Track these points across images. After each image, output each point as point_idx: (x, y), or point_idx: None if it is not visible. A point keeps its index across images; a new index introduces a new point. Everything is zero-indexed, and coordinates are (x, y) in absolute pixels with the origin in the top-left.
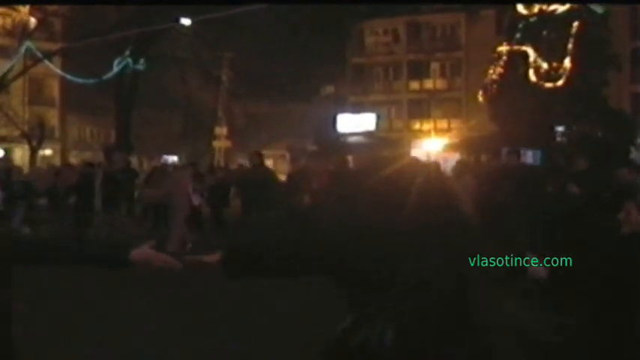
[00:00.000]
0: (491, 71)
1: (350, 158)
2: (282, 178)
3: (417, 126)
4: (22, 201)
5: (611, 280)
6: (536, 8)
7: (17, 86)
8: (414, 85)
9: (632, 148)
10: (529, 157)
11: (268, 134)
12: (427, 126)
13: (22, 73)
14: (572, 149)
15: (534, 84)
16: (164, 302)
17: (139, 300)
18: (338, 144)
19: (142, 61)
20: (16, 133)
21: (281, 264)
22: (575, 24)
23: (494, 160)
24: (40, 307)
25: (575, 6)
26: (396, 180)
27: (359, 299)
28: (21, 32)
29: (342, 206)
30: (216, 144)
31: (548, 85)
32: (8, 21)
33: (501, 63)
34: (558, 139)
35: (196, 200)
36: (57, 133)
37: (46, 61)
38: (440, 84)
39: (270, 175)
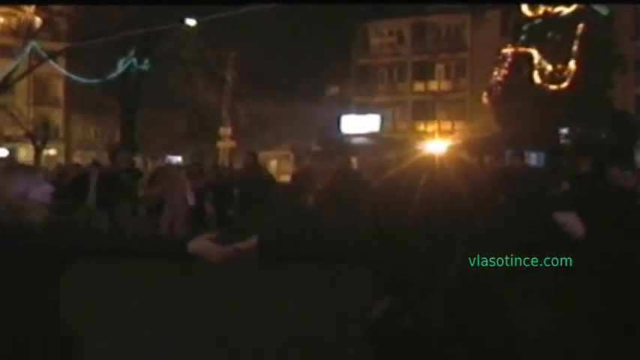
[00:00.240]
0: (495, 73)
1: (354, 160)
2: (287, 178)
3: (421, 127)
4: None
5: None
6: (541, 10)
7: (22, 86)
8: (419, 86)
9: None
10: (533, 159)
11: (273, 134)
12: (431, 127)
13: (27, 72)
14: (576, 151)
15: (539, 86)
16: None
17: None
18: (342, 145)
19: (146, 61)
20: (21, 132)
21: (317, 251)
22: (580, 26)
23: (498, 161)
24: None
25: (580, 8)
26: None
27: (396, 288)
28: (26, 32)
29: (393, 201)
30: (220, 144)
31: (553, 86)
32: (13, 21)
33: (506, 65)
34: (562, 141)
35: (191, 200)
36: (61, 133)
37: (51, 61)
38: (444, 85)
39: (263, 174)
